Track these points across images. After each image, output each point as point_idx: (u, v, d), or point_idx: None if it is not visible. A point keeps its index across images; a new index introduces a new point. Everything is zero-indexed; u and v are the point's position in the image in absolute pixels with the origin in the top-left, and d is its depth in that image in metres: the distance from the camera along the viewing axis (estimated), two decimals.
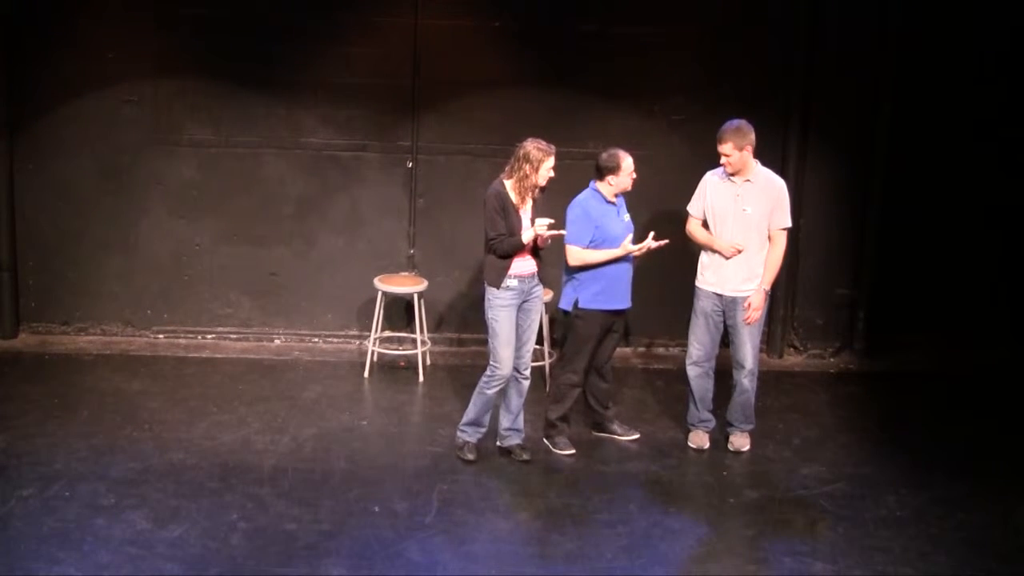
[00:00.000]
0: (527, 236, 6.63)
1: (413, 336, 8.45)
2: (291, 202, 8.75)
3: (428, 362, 8.47)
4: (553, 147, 6.67)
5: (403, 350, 8.60)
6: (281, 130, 8.62)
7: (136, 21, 8.40)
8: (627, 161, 6.89)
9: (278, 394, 7.89)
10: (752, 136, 6.83)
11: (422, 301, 8.35)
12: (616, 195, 6.96)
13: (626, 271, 7.00)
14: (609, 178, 6.89)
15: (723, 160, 6.86)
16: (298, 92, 8.56)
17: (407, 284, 8.34)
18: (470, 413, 6.91)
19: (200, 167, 8.67)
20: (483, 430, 6.96)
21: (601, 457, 7.09)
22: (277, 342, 8.89)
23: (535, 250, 6.80)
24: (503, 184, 6.70)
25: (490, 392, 6.81)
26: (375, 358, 8.43)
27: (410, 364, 8.44)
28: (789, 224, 6.97)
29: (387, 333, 8.70)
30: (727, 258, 6.93)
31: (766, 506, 6.55)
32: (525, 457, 6.95)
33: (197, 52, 8.48)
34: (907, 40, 8.49)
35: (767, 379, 8.13)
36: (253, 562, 5.72)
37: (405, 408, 7.81)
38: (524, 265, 6.75)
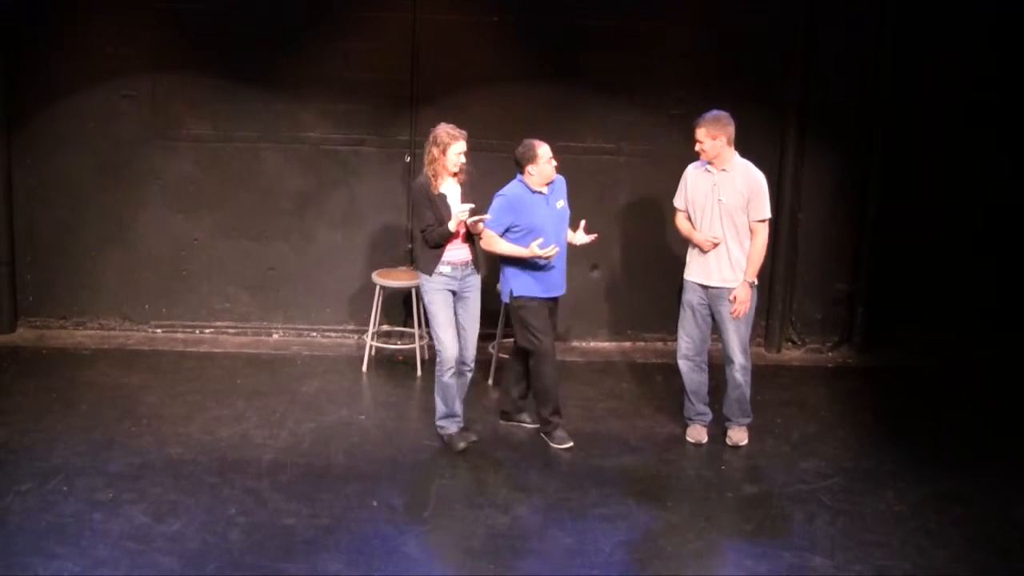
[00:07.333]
0: (452, 224, 6.69)
1: (411, 331, 8.44)
2: (289, 197, 8.74)
3: (426, 356, 8.46)
4: (464, 133, 6.76)
5: (401, 344, 8.59)
6: (279, 125, 8.61)
7: (134, 16, 8.39)
8: (543, 149, 6.88)
9: (276, 389, 7.89)
10: (730, 129, 6.85)
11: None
12: (547, 184, 6.95)
13: (554, 260, 6.95)
14: (529, 168, 6.88)
15: (696, 147, 6.91)
16: (296, 87, 8.55)
17: (405, 278, 8.32)
18: (439, 406, 6.99)
19: (198, 162, 8.66)
20: (460, 419, 7.03)
21: (599, 452, 7.09)
22: (275, 336, 8.88)
23: (470, 239, 6.85)
24: (426, 175, 6.79)
25: (445, 378, 6.90)
26: (373, 352, 8.43)
27: (408, 359, 8.44)
28: (767, 215, 6.96)
29: (385, 327, 8.70)
30: (705, 251, 6.95)
31: (764, 501, 6.55)
32: (462, 446, 6.96)
33: (195, 47, 8.47)
34: (905, 35, 8.48)
35: (765, 373, 8.13)
36: (251, 557, 5.72)
37: (403, 403, 7.81)
38: (457, 253, 6.83)
